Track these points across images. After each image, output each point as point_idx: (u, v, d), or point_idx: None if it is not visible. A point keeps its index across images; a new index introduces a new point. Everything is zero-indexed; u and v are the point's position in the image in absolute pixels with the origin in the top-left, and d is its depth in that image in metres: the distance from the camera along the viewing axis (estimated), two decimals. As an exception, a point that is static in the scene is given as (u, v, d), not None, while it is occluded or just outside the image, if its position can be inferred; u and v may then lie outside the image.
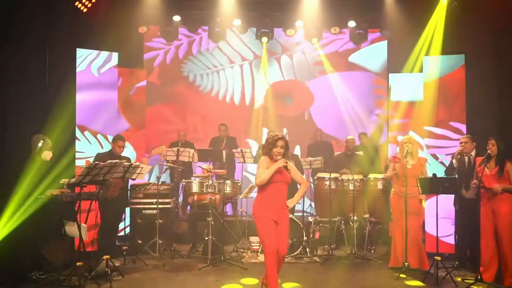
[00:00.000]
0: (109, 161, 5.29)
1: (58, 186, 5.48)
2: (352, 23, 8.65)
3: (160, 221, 6.60)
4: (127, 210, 7.07)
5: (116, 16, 7.77)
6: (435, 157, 7.02)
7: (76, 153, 6.88)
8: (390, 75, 8.66)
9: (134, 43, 8.80)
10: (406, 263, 5.73)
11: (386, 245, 6.79)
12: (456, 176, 5.98)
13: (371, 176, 7.05)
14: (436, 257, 5.45)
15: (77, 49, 7.05)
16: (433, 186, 5.60)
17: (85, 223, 5.52)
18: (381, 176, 6.97)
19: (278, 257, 4.48)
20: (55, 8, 6.65)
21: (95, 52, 7.23)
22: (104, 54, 7.31)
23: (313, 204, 8.14)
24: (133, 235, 7.00)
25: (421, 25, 7.83)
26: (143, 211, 7.00)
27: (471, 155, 6.10)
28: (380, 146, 9.19)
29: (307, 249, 6.57)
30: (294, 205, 4.78)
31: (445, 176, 6.12)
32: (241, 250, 6.84)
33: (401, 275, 5.67)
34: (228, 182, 6.72)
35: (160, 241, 6.52)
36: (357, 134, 8.93)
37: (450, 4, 7.46)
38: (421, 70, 7.56)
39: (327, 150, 8.88)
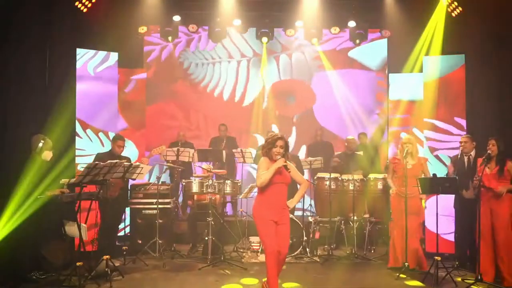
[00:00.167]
0: (109, 161, 5.29)
1: (58, 186, 5.49)
2: (352, 23, 8.65)
3: (160, 221, 6.60)
4: (127, 210, 7.08)
5: (116, 16, 7.77)
6: (432, 149, 7.02)
7: (77, 151, 6.89)
8: (390, 75, 8.65)
9: (134, 43, 8.80)
10: (406, 263, 5.73)
11: (386, 245, 6.76)
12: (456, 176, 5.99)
13: (371, 176, 7.05)
14: (436, 257, 5.45)
15: (77, 49, 7.06)
16: (433, 186, 5.59)
17: (85, 223, 5.52)
18: (381, 176, 6.97)
19: (279, 257, 4.49)
20: (55, 8, 6.64)
21: (93, 51, 7.25)
22: (102, 53, 7.33)
23: (313, 203, 8.14)
24: (133, 235, 7.00)
25: (421, 25, 7.84)
26: (143, 211, 7.00)
27: (470, 155, 6.10)
28: (380, 145, 9.18)
29: (307, 249, 6.57)
30: (294, 205, 4.77)
31: (445, 176, 6.11)
32: (241, 250, 6.85)
33: (401, 275, 5.67)
34: (228, 182, 6.72)
35: (160, 241, 6.52)
36: (357, 134, 8.91)
37: (449, 5, 7.47)
38: (421, 70, 7.57)
39: (327, 150, 8.87)
